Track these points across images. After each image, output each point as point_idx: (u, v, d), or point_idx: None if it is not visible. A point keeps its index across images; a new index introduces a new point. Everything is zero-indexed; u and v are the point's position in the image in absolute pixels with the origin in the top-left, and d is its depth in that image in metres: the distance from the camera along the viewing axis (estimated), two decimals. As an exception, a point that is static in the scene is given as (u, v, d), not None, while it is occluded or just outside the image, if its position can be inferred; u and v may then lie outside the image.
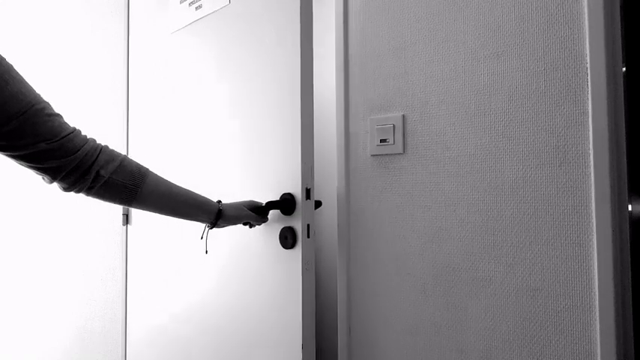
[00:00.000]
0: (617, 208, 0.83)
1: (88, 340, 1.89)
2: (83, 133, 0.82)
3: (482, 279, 0.98)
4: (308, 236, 1.02)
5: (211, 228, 1.03)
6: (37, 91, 0.75)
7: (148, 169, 0.91)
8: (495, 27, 0.98)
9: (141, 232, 1.59)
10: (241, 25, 1.21)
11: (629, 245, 0.83)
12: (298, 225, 1.03)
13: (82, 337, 1.92)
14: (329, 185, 2.22)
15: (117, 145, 1.72)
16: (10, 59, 0.76)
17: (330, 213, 2.20)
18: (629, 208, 0.84)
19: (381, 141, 1.14)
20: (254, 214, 1.06)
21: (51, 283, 2.05)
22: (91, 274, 1.89)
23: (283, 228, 1.05)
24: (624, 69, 0.85)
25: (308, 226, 1.02)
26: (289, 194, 1.05)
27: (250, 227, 1.13)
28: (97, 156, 0.81)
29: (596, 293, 0.84)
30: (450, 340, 1.02)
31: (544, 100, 0.92)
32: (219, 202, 1.03)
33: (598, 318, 0.84)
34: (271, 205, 1.05)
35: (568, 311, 0.88)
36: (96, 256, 1.87)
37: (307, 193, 1.03)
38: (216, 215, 1.00)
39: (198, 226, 1.22)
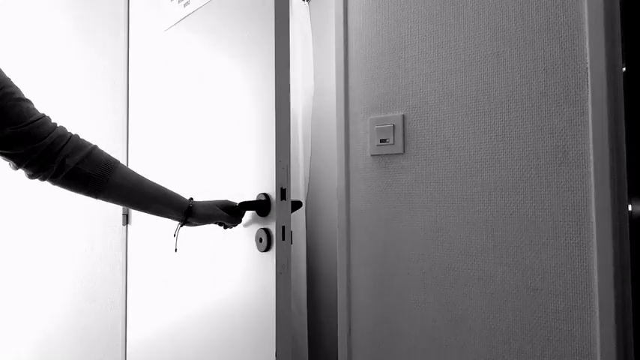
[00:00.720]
0: (617, 208, 0.83)
1: (89, 340, 1.89)
2: (53, 121, 0.80)
3: (482, 279, 0.98)
4: (283, 238, 0.98)
5: (182, 225, 1.01)
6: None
7: (117, 162, 0.89)
8: (495, 27, 0.98)
9: (141, 232, 1.59)
10: (217, 25, 1.19)
11: (629, 245, 0.83)
12: (273, 227, 0.99)
13: (82, 337, 1.92)
14: (329, 185, 2.22)
15: (117, 144, 1.73)
16: (11, 59, 0.76)
17: (330, 213, 2.20)
18: (629, 208, 0.84)
19: (381, 141, 1.14)
20: (227, 214, 1.03)
21: (51, 283, 2.05)
22: (92, 273, 1.89)
23: (259, 230, 1.02)
24: (624, 69, 0.85)
25: (283, 227, 0.98)
26: (265, 195, 1.01)
27: (225, 228, 1.10)
28: (64, 144, 0.80)
29: (596, 293, 0.84)
30: (450, 339, 1.02)
31: (544, 100, 0.92)
32: (191, 199, 1.00)
33: (598, 318, 0.84)
34: (244, 205, 1.02)
35: (568, 311, 0.88)
36: (96, 256, 1.87)
37: (282, 193, 0.99)
38: (186, 212, 0.97)
39: (199, 227, 1.22)
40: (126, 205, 0.93)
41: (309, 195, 2.26)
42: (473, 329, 0.99)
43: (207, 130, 1.23)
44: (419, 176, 1.08)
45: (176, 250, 1.17)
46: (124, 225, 1.69)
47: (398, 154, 1.12)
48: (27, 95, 0.78)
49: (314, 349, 2.17)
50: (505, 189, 0.96)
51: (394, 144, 1.12)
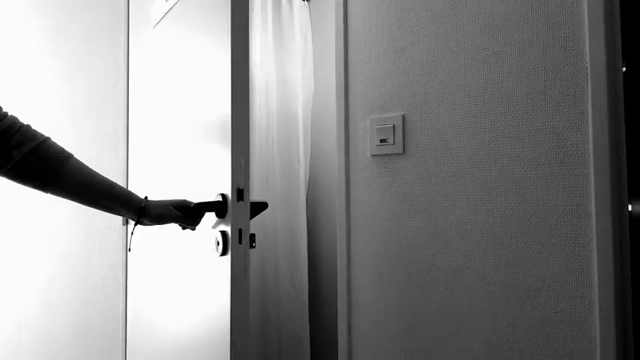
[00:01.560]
0: (617, 208, 0.83)
1: (89, 340, 1.89)
2: (4, 110, 0.77)
3: (482, 279, 0.98)
4: (240, 242, 0.91)
5: (136, 225, 0.97)
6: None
7: (70, 157, 0.85)
8: (495, 27, 0.98)
9: (141, 232, 1.59)
10: (191, 17, 1.16)
11: (629, 245, 0.83)
12: (230, 229, 0.93)
13: (82, 337, 1.92)
14: (329, 185, 2.22)
15: (118, 145, 1.73)
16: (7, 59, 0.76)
17: (330, 213, 2.20)
18: (629, 208, 0.84)
19: (381, 141, 1.14)
20: (182, 214, 0.99)
21: (51, 283, 2.05)
22: (92, 273, 1.89)
23: (217, 232, 0.96)
24: (624, 69, 0.85)
25: (240, 230, 0.92)
26: (222, 195, 0.96)
27: (183, 229, 1.06)
28: (13, 134, 0.76)
29: (596, 293, 0.84)
30: (450, 339, 1.02)
31: (544, 100, 0.92)
32: (146, 198, 0.96)
33: (598, 317, 0.84)
34: (199, 207, 0.97)
35: (568, 311, 0.88)
36: (96, 256, 1.87)
37: (239, 194, 0.92)
38: (138, 211, 0.94)
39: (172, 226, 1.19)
40: (76, 201, 0.89)
41: (309, 195, 2.26)
42: (473, 329, 0.99)
43: (178, 128, 1.20)
44: (419, 176, 1.08)
45: (130, 249, 1.12)
46: (124, 225, 1.68)
47: (398, 154, 1.12)
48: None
49: (316, 349, 2.17)
50: (505, 189, 0.96)
51: (394, 144, 1.12)
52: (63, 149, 0.84)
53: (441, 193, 1.05)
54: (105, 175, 0.93)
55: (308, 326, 2.10)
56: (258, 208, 1.03)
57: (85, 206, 0.91)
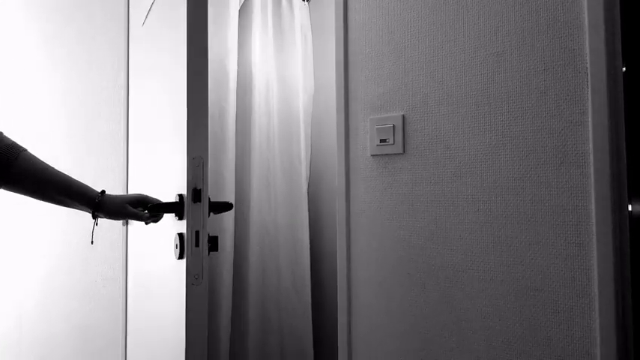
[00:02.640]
0: (617, 208, 0.83)
1: (89, 340, 1.89)
2: None
3: (482, 279, 0.98)
4: (197, 245, 0.88)
5: (94, 218, 0.96)
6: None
7: (22, 150, 0.83)
8: (495, 27, 0.98)
9: (140, 233, 1.59)
10: (160, 16, 1.14)
11: (629, 245, 0.83)
12: (187, 232, 0.89)
13: (82, 337, 1.92)
14: (329, 185, 2.22)
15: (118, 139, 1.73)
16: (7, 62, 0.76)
17: (330, 213, 2.20)
18: (629, 208, 0.84)
19: (381, 141, 1.14)
20: (138, 212, 0.97)
21: (51, 282, 2.05)
22: (92, 273, 1.89)
23: (175, 234, 0.92)
24: (624, 69, 0.85)
25: (197, 233, 0.88)
26: (180, 196, 0.92)
27: (146, 224, 1.04)
28: None
29: (596, 293, 0.84)
30: (450, 340, 1.02)
31: (544, 100, 0.92)
32: (102, 192, 0.95)
33: (598, 317, 0.84)
34: (155, 208, 0.93)
35: (568, 311, 0.88)
36: (96, 256, 1.87)
37: (196, 194, 0.88)
38: (94, 206, 0.92)
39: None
40: (30, 196, 0.88)
41: (310, 194, 2.26)
42: (473, 329, 0.99)
43: (154, 127, 1.18)
44: (419, 176, 1.08)
45: (92, 242, 1.10)
46: (124, 225, 1.69)
47: (398, 154, 1.12)
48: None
49: (319, 349, 2.17)
50: (505, 189, 0.96)
51: (394, 144, 1.12)
52: (14, 143, 0.83)
53: (440, 193, 1.05)
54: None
55: (311, 325, 2.10)
56: (221, 208, 0.99)
57: (42, 201, 0.91)
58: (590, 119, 0.86)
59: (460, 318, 1.01)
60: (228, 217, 1.87)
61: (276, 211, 2.06)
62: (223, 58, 1.87)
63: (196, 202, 0.88)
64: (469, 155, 1.01)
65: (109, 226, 1.81)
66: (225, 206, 1.01)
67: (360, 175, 1.19)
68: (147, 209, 0.98)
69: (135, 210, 0.98)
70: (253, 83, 1.98)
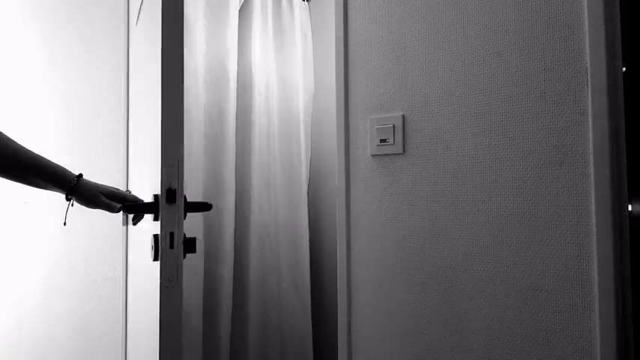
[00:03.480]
0: (617, 208, 0.83)
1: (89, 340, 1.89)
2: None
3: (482, 279, 0.98)
4: (171, 246, 0.86)
5: (68, 201, 0.95)
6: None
7: None
8: (495, 27, 0.98)
9: (140, 232, 1.59)
10: (147, 14, 1.13)
11: (629, 245, 0.83)
12: (160, 233, 0.87)
13: (82, 338, 1.92)
14: (329, 185, 2.22)
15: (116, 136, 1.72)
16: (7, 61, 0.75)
17: (330, 213, 2.20)
18: (629, 208, 0.84)
19: (381, 141, 1.14)
20: (111, 203, 0.96)
21: (50, 281, 2.05)
22: (92, 273, 1.89)
23: (152, 235, 0.90)
24: (624, 69, 0.85)
25: (171, 234, 0.86)
26: (156, 196, 0.90)
27: (134, 224, 1.03)
28: None
29: (596, 293, 0.84)
30: (450, 340, 1.02)
31: (544, 100, 0.92)
32: (79, 176, 0.94)
33: (598, 318, 0.84)
34: (128, 209, 0.92)
35: (568, 311, 0.88)
36: (97, 256, 1.87)
37: (170, 195, 0.85)
38: (68, 188, 0.91)
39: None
40: (3, 177, 0.87)
41: (310, 194, 2.26)
42: (473, 329, 0.99)
43: (144, 126, 1.17)
44: (419, 176, 1.08)
45: (65, 223, 1.05)
46: (124, 225, 1.68)
47: (398, 154, 1.12)
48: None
49: (318, 349, 2.17)
50: (505, 189, 0.96)
51: (394, 144, 1.12)
52: None
53: (440, 193, 1.05)
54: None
55: (310, 325, 2.10)
56: (198, 208, 0.97)
57: (17, 182, 0.90)
58: (590, 119, 0.86)
59: (460, 318, 1.01)
60: (229, 217, 1.87)
61: (277, 211, 2.06)
62: (223, 58, 1.87)
63: (171, 203, 0.86)
64: (469, 155, 1.01)
65: (108, 225, 1.81)
66: (203, 206, 0.98)
67: (360, 175, 1.19)
68: (123, 208, 0.97)
69: (107, 201, 0.96)
70: (253, 83, 1.98)
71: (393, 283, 1.12)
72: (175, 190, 0.86)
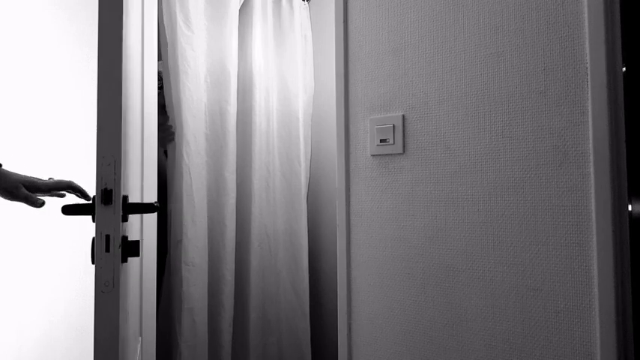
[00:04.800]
0: (617, 208, 0.83)
1: (89, 339, 1.89)
2: None
3: (482, 279, 0.98)
4: (107, 250, 0.81)
5: None
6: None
7: None
8: (495, 27, 0.98)
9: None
10: None
11: (629, 245, 0.83)
12: (97, 235, 0.83)
13: (82, 336, 1.92)
14: (329, 185, 2.22)
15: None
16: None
17: (330, 213, 2.20)
18: (629, 208, 0.84)
19: (381, 141, 1.14)
20: (32, 196, 0.91)
21: (51, 281, 2.05)
22: (92, 273, 1.89)
23: (92, 238, 0.85)
24: (624, 69, 0.85)
25: (107, 237, 0.81)
26: (94, 197, 0.86)
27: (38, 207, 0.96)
28: None
29: (596, 293, 0.84)
30: (450, 340, 1.02)
31: (544, 100, 0.92)
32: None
33: (598, 318, 0.84)
34: (67, 209, 0.87)
35: (568, 311, 0.88)
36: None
37: (106, 195, 0.81)
38: None
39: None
40: None
41: (309, 195, 2.26)
42: (473, 329, 0.99)
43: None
44: (419, 176, 1.08)
45: None
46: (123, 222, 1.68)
47: (398, 154, 1.12)
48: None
49: (317, 349, 2.17)
50: (505, 189, 0.96)
51: (394, 144, 1.12)
52: None
53: (441, 193, 1.05)
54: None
55: (309, 328, 2.10)
56: (142, 209, 0.93)
57: None
58: (590, 119, 0.86)
59: (460, 318, 1.01)
60: (230, 217, 1.87)
61: (276, 214, 2.06)
62: (224, 58, 1.87)
63: (107, 204, 0.81)
64: (469, 155, 1.01)
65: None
66: (148, 208, 0.93)
67: (360, 175, 1.19)
68: (63, 210, 0.90)
69: (27, 193, 0.91)
70: (254, 83, 1.98)
71: (393, 282, 1.12)
72: (112, 190, 0.81)
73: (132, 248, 0.86)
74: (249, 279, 1.92)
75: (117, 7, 0.81)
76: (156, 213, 1.57)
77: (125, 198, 0.86)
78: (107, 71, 0.81)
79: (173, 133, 1.79)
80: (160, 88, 2.01)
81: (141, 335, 1.53)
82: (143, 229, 1.53)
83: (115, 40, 0.80)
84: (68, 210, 0.86)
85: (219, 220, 1.84)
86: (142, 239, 1.52)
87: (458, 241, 1.02)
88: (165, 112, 1.94)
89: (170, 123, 1.81)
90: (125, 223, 0.88)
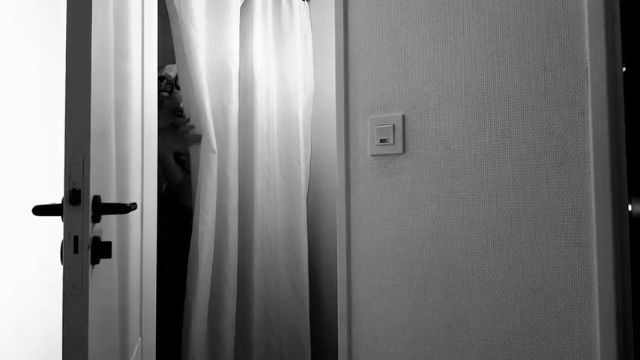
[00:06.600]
0: (617, 208, 0.83)
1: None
2: None
3: (482, 279, 0.98)
4: (75, 251, 0.80)
5: None
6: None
7: None
8: (495, 27, 0.98)
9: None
10: None
11: (629, 245, 0.83)
12: (65, 236, 0.81)
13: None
14: (329, 185, 2.22)
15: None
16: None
17: (330, 213, 2.20)
18: (629, 208, 0.84)
19: (381, 141, 1.14)
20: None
21: (50, 280, 2.05)
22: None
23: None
24: (624, 69, 0.85)
25: (75, 238, 0.80)
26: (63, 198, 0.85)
27: None
28: None
29: (596, 293, 0.84)
30: (450, 340, 1.02)
31: (544, 100, 0.92)
32: None
33: (598, 318, 0.84)
34: (37, 210, 0.85)
35: (568, 311, 0.88)
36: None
37: (74, 196, 0.79)
38: None
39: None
40: None
41: (309, 195, 2.26)
42: (473, 329, 0.99)
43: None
44: (419, 176, 1.08)
45: None
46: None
47: (398, 154, 1.12)
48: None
49: (316, 349, 2.17)
50: (505, 189, 0.96)
51: (394, 144, 1.12)
52: None
53: (441, 193, 1.05)
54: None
55: (309, 327, 2.10)
56: (113, 210, 0.92)
57: None
58: (590, 119, 0.86)
59: (460, 318, 1.01)
60: (233, 218, 1.87)
61: (276, 214, 2.06)
62: (225, 58, 1.87)
63: (75, 205, 0.79)
64: (469, 155, 1.01)
65: (109, 226, 1.82)
66: (119, 208, 0.91)
67: (360, 175, 1.19)
68: (32, 210, 0.88)
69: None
70: (255, 83, 1.98)
71: (393, 282, 1.12)
72: (80, 191, 0.79)
73: (104, 249, 0.85)
74: (252, 279, 1.92)
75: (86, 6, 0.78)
76: (156, 213, 1.57)
77: (96, 198, 0.84)
78: (75, 71, 0.78)
79: (199, 136, 1.78)
80: (169, 92, 2.01)
81: (141, 336, 1.53)
82: (143, 229, 1.53)
83: (84, 38, 0.77)
84: (38, 211, 0.84)
85: (222, 221, 1.85)
86: (142, 239, 1.52)
87: (458, 241, 1.02)
88: (180, 114, 1.93)
89: (191, 124, 1.80)
90: (98, 224, 0.86)
